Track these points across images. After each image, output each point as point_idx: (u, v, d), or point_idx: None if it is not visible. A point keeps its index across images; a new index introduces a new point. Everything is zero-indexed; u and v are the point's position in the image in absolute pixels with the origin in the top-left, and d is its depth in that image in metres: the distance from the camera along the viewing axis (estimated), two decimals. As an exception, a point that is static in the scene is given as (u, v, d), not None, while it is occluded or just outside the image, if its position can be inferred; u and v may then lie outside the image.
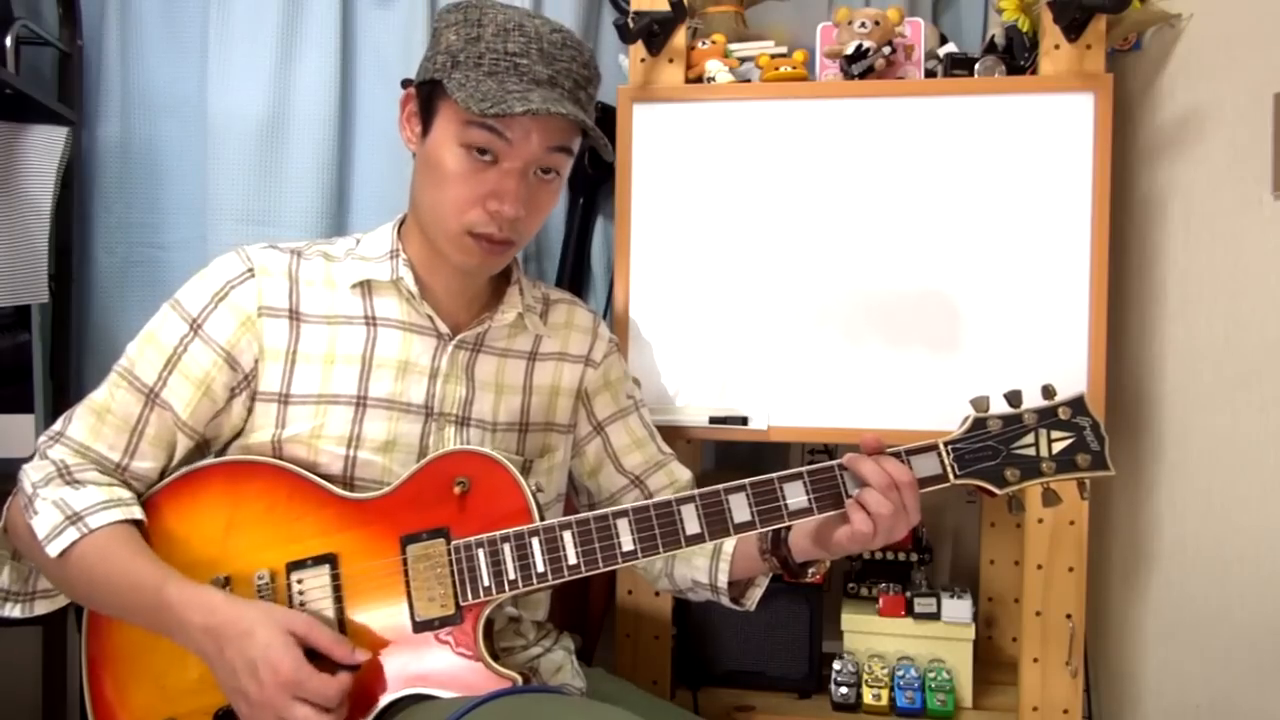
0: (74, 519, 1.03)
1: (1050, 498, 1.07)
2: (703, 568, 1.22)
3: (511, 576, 1.05)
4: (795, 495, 1.06)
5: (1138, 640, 1.56)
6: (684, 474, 1.32)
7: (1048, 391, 1.08)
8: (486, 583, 1.06)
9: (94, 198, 1.72)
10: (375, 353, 1.14)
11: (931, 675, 1.52)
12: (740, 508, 1.06)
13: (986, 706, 1.55)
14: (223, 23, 1.66)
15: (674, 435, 1.50)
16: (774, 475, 1.06)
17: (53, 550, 1.02)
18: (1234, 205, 1.39)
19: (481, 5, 1.09)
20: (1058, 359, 1.41)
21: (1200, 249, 1.46)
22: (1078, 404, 1.07)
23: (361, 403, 1.12)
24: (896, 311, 1.45)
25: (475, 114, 1.03)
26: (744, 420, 1.47)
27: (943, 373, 1.44)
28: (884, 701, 1.50)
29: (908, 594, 1.58)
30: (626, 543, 1.06)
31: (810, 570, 1.17)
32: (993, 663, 1.67)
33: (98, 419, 1.09)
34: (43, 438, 1.10)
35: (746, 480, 1.06)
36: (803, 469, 1.07)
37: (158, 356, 1.10)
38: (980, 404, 1.07)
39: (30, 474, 1.07)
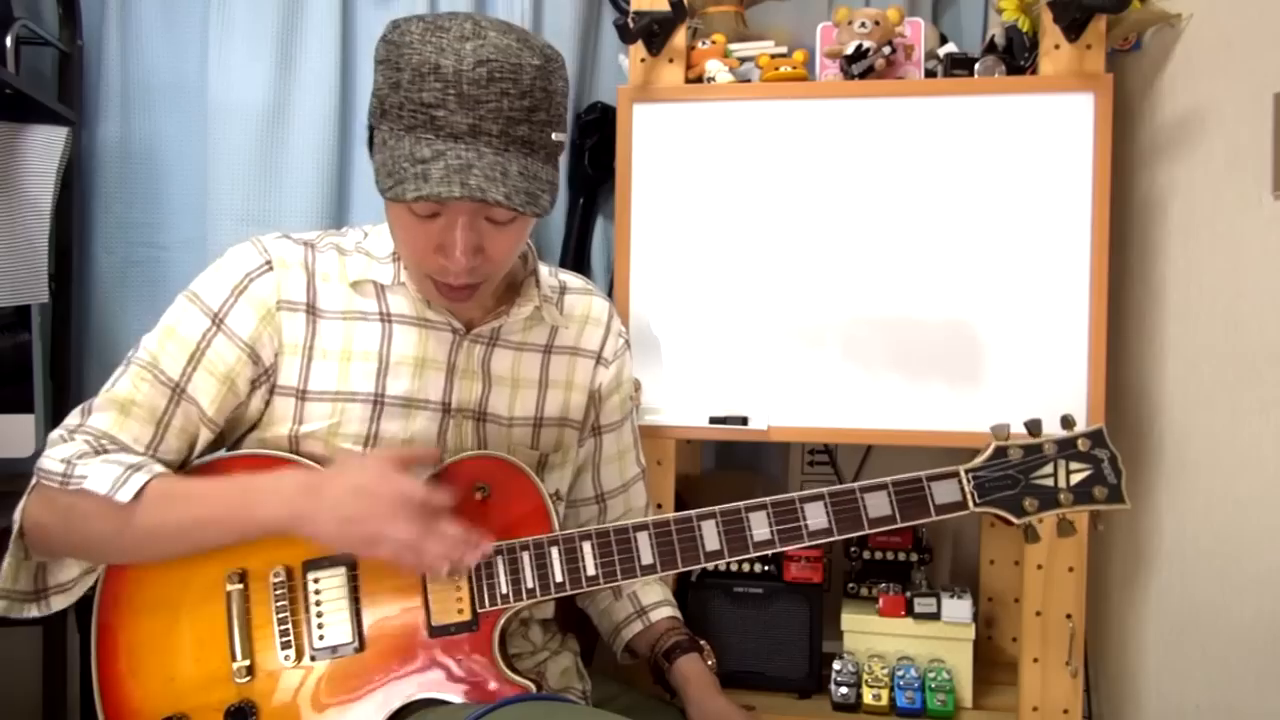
0: (136, 467, 1.01)
1: (1065, 528, 1.08)
2: (615, 620, 1.30)
3: (530, 585, 1.06)
4: (816, 516, 1.06)
5: (1138, 640, 1.56)
6: (639, 500, 1.35)
7: (1067, 422, 1.09)
8: (504, 590, 1.06)
9: (94, 198, 1.72)
10: (392, 350, 1.13)
11: (931, 675, 1.51)
12: (760, 526, 1.06)
13: (986, 706, 1.55)
14: (222, 24, 1.66)
15: (674, 435, 1.50)
16: (795, 495, 1.06)
17: (125, 495, 0.99)
18: (1234, 205, 1.39)
19: (402, 42, 0.97)
20: (1058, 359, 1.41)
21: (1200, 249, 1.45)
22: (1097, 436, 1.08)
23: (379, 401, 1.12)
24: (896, 310, 1.45)
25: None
26: (744, 420, 1.47)
27: (942, 372, 1.44)
28: (884, 701, 1.50)
29: (908, 594, 1.58)
30: (646, 556, 1.06)
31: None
32: (993, 663, 1.67)
33: (121, 411, 1.07)
34: (58, 431, 1.07)
35: (768, 499, 1.07)
36: (824, 490, 1.07)
37: (180, 351, 1.09)
38: (1001, 432, 1.08)
39: (58, 453, 1.03)
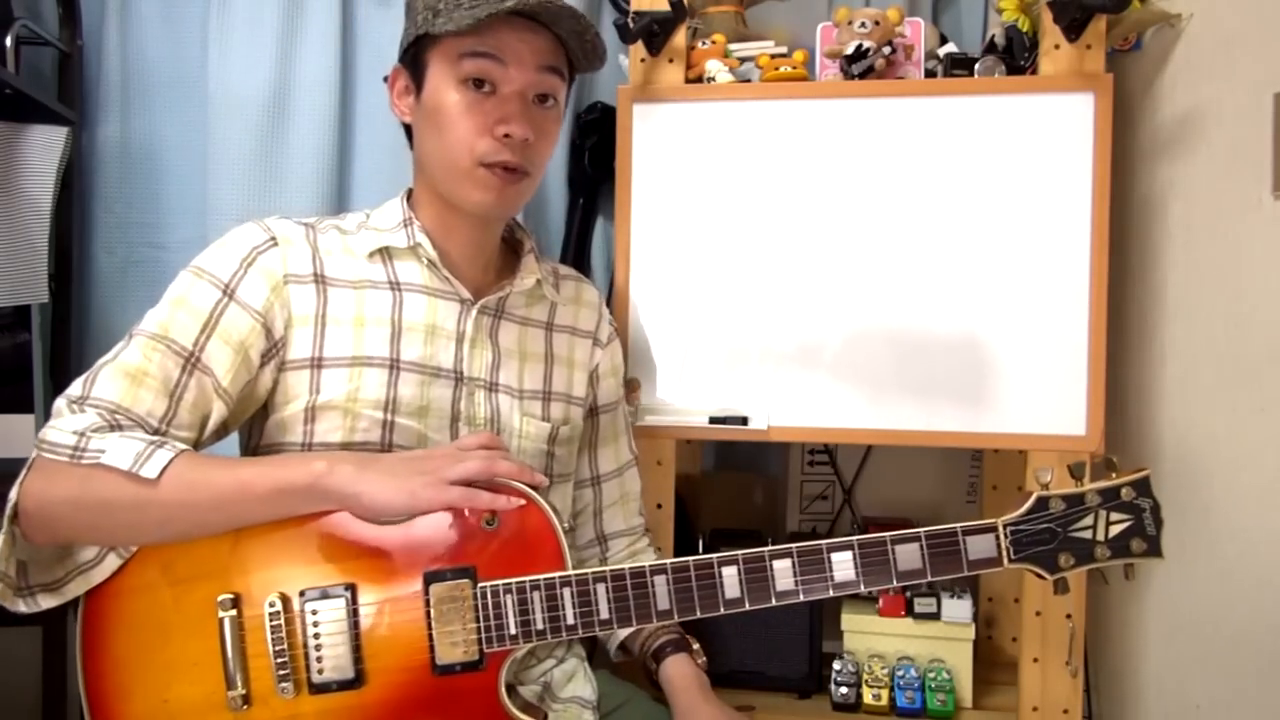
0: (159, 443, 0.98)
1: (1096, 579, 1.06)
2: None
3: (539, 626, 1.02)
4: (843, 567, 1.03)
5: (1138, 640, 1.56)
6: (634, 485, 1.37)
7: (1109, 464, 1.06)
8: (513, 631, 1.02)
9: (94, 198, 1.72)
10: (403, 316, 1.14)
11: (931, 675, 1.51)
12: (784, 576, 1.03)
13: (986, 706, 1.55)
14: (222, 23, 1.66)
15: (674, 435, 1.50)
16: (823, 543, 1.04)
17: (150, 470, 0.96)
18: (1234, 205, 1.39)
19: None
20: (1057, 359, 1.41)
21: (1200, 249, 1.45)
22: (1142, 484, 1.05)
23: (395, 365, 1.12)
24: (895, 309, 1.45)
25: (468, 30, 1.04)
26: (744, 420, 1.47)
27: (942, 371, 1.44)
28: (884, 701, 1.50)
29: (908, 594, 1.58)
30: (662, 601, 1.03)
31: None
32: (993, 663, 1.67)
33: (132, 381, 1.03)
34: (62, 401, 1.03)
35: (793, 546, 1.04)
36: (853, 539, 1.04)
37: (192, 321, 1.06)
38: (1043, 478, 1.05)
39: (68, 424, 0.99)
